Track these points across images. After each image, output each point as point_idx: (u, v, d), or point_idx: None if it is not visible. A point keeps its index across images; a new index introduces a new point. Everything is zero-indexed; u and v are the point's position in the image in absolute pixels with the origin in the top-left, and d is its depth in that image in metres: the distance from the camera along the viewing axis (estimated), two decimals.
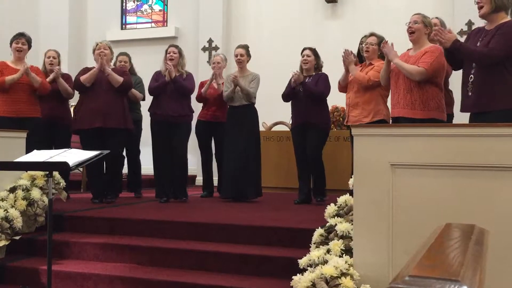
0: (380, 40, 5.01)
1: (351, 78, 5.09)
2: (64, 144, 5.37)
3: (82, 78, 5.50)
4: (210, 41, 8.63)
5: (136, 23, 9.74)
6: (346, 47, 5.15)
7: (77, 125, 5.54)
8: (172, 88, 5.72)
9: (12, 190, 4.47)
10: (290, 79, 5.57)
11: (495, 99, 3.62)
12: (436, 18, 4.77)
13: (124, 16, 9.79)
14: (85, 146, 5.40)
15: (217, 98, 6.14)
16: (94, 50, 5.68)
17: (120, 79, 5.51)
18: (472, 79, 3.75)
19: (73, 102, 6.40)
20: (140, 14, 9.74)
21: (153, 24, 9.66)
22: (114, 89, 5.50)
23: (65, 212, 4.72)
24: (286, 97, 5.71)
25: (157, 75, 5.86)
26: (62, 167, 3.45)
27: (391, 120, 4.58)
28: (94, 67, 5.62)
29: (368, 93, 4.94)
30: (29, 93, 5.41)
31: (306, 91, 5.46)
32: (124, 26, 9.77)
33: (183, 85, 5.73)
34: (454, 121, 4.71)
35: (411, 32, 4.31)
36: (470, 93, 3.77)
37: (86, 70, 5.67)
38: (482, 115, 3.66)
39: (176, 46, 5.97)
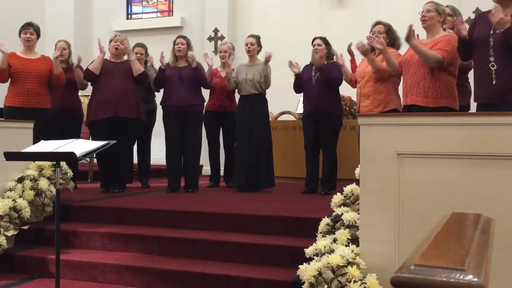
0: (388, 28, 4.97)
1: (360, 69, 5.05)
2: (75, 134, 5.40)
3: (90, 66, 5.57)
4: (215, 31, 8.61)
5: (142, 13, 9.73)
6: (353, 37, 5.13)
7: (90, 117, 5.57)
8: (181, 77, 5.72)
9: (20, 180, 4.50)
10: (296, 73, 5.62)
11: None
12: (447, 6, 4.66)
13: (129, 6, 9.77)
14: (96, 137, 5.41)
15: (224, 87, 6.12)
16: (110, 41, 5.70)
17: (142, 68, 5.60)
18: (495, 68, 3.69)
19: (83, 92, 6.40)
20: (146, 4, 9.72)
21: (158, 14, 9.64)
22: (126, 79, 5.53)
23: (72, 202, 4.75)
24: (296, 88, 5.73)
25: (165, 66, 5.87)
26: (69, 157, 3.47)
27: (403, 108, 4.51)
28: (106, 59, 5.67)
29: (379, 82, 4.87)
30: (40, 84, 5.40)
31: (323, 75, 5.41)
32: (129, 16, 9.76)
33: (202, 75, 5.81)
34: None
35: (424, 20, 4.24)
36: (494, 82, 3.69)
37: None
38: (507, 103, 3.60)
39: (184, 37, 5.97)
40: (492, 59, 3.69)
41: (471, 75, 4.31)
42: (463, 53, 3.99)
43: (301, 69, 5.66)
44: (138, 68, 5.56)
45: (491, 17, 3.66)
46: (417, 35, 4.34)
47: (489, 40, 3.74)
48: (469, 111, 4.66)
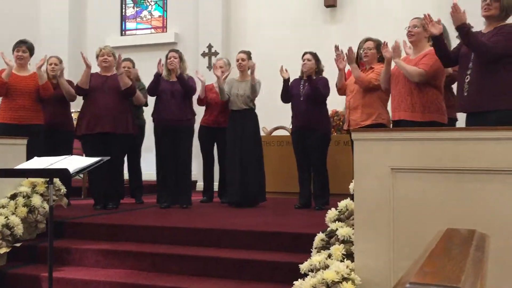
0: (377, 44, 5.03)
1: (349, 81, 5.11)
2: (66, 150, 5.38)
3: (79, 82, 5.56)
4: (209, 47, 8.64)
5: (136, 29, 9.76)
6: (345, 49, 5.15)
7: (80, 130, 5.56)
8: (172, 91, 5.72)
9: (13, 197, 4.47)
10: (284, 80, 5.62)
11: (492, 99, 3.62)
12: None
13: (123, 22, 9.81)
14: (87, 151, 5.43)
15: (219, 103, 6.14)
16: (97, 56, 5.70)
17: (129, 82, 5.58)
18: (468, 79, 3.76)
19: (75, 108, 6.41)
20: (140, 20, 9.76)
21: (152, 30, 9.67)
22: (117, 94, 5.53)
23: (66, 218, 4.72)
24: (283, 96, 5.72)
25: (160, 77, 5.87)
26: (62, 173, 3.45)
27: (391, 124, 4.57)
28: (96, 73, 5.67)
29: (367, 96, 4.94)
30: (32, 100, 5.40)
31: (311, 85, 5.42)
32: (123, 32, 9.78)
33: (187, 83, 5.77)
34: (458, 125, 4.69)
35: (410, 35, 4.34)
36: (465, 94, 3.77)
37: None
38: (478, 115, 3.66)
39: (176, 51, 5.99)
40: (469, 72, 3.76)
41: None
42: (440, 56, 4.02)
43: (290, 81, 5.66)
44: (125, 82, 5.54)
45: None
46: (397, 44, 4.40)
47: (471, 53, 3.80)
48: (456, 124, 4.71)
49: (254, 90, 5.81)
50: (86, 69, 5.54)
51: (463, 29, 3.71)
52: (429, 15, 3.95)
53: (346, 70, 5.33)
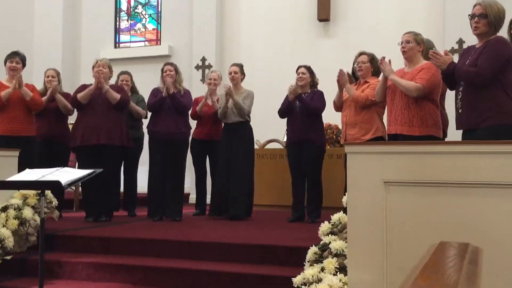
0: (371, 57, 5.05)
1: (346, 97, 5.11)
2: (63, 162, 5.35)
3: (79, 95, 5.53)
4: (203, 60, 8.66)
5: (130, 42, 9.77)
6: (340, 67, 5.17)
7: (74, 142, 5.54)
8: (169, 105, 5.73)
9: (4, 209, 4.44)
10: (287, 95, 5.61)
11: (483, 116, 3.64)
12: None
13: (117, 34, 9.82)
14: (81, 163, 5.40)
15: (211, 116, 6.14)
16: (93, 67, 5.70)
17: (117, 96, 5.54)
18: (460, 96, 3.79)
19: (72, 120, 6.40)
20: (134, 33, 9.78)
21: (146, 43, 9.69)
22: (111, 106, 5.51)
23: (57, 231, 4.68)
24: (282, 112, 5.74)
25: (156, 92, 5.88)
26: (54, 185, 3.43)
27: (387, 137, 4.56)
28: (91, 84, 5.65)
29: (364, 111, 4.94)
30: (25, 112, 5.38)
31: (302, 104, 5.48)
32: (117, 44, 9.79)
33: (180, 101, 5.76)
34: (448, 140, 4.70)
35: (404, 51, 4.34)
36: (460, 111, 3.80)
37: (83, 87, 5.68)
38: (471, 132, 3.68)
39: (172, 64, 5.99)
40: (461, 88, 3.79)
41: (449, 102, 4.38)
42: (448, 84, 4.07)
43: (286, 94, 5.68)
44: (114, 97, 5.51)
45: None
46: (389, 60, 4.41)
47: None
48: (446, 139, 4.72)
49: (240, 108, 5.80)
50: (93, 87, 5.52)
51: (449, 70, 3.78)
52: (435, 52, 3.94)
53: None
